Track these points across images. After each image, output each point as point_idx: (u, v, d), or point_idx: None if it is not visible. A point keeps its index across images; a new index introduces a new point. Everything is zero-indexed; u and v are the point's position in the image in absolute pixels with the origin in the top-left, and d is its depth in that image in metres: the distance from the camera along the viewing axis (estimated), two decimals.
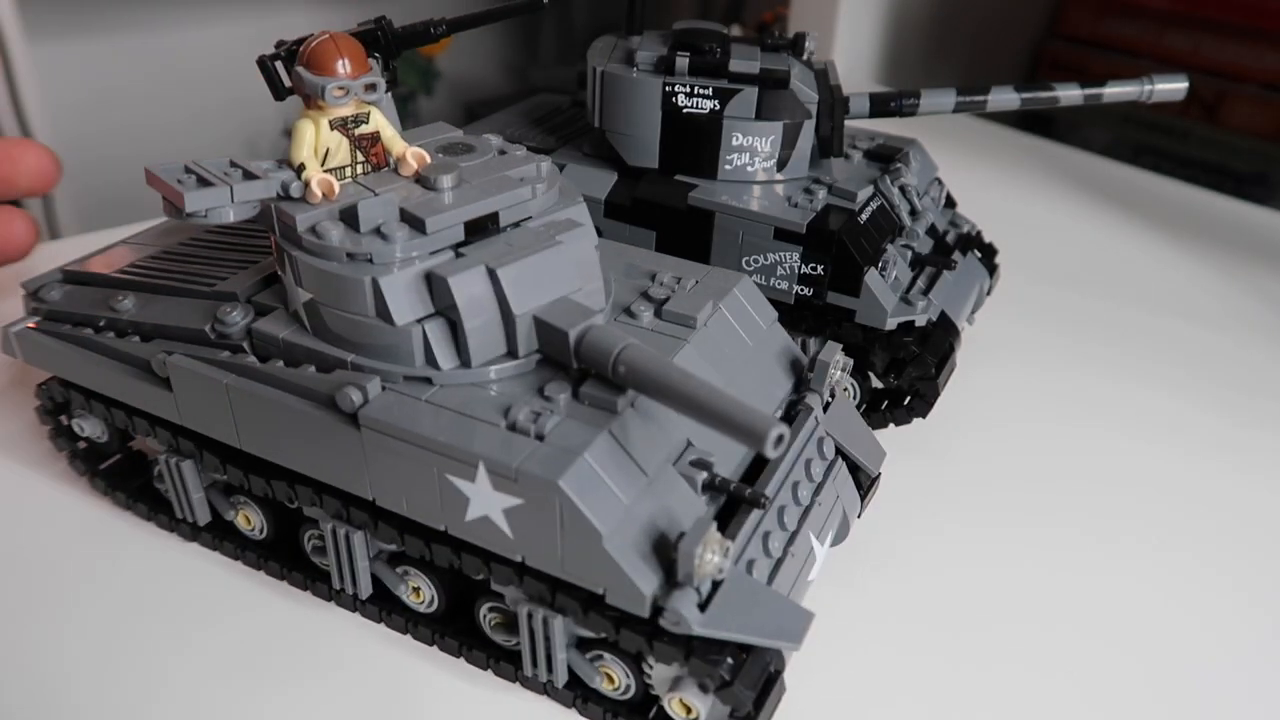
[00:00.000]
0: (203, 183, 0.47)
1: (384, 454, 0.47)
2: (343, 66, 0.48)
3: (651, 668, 0.48)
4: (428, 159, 0.51)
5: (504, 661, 0.52)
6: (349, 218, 0.48)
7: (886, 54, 1.44)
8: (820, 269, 0.67)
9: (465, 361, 0.48)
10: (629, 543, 0.44)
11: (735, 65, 0.70)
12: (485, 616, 0.53)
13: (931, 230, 0.76)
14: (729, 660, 0.45)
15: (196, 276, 0.56)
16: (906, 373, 0.69)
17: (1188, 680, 0.56)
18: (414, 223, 0.48)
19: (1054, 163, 1.28)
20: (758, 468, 0.51)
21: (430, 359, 0.48)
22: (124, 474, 0.64)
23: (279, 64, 0.50)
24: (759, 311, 0.58)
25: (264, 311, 0.52)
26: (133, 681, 0.52)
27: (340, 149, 0.50)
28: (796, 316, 0.70)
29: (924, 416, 0.71)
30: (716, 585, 0.45)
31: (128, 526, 0.62)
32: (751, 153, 0.71)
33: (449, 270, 0.47)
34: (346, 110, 0.49)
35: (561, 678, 0.50)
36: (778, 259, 0.69)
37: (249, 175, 0.48)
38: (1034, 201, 1.17)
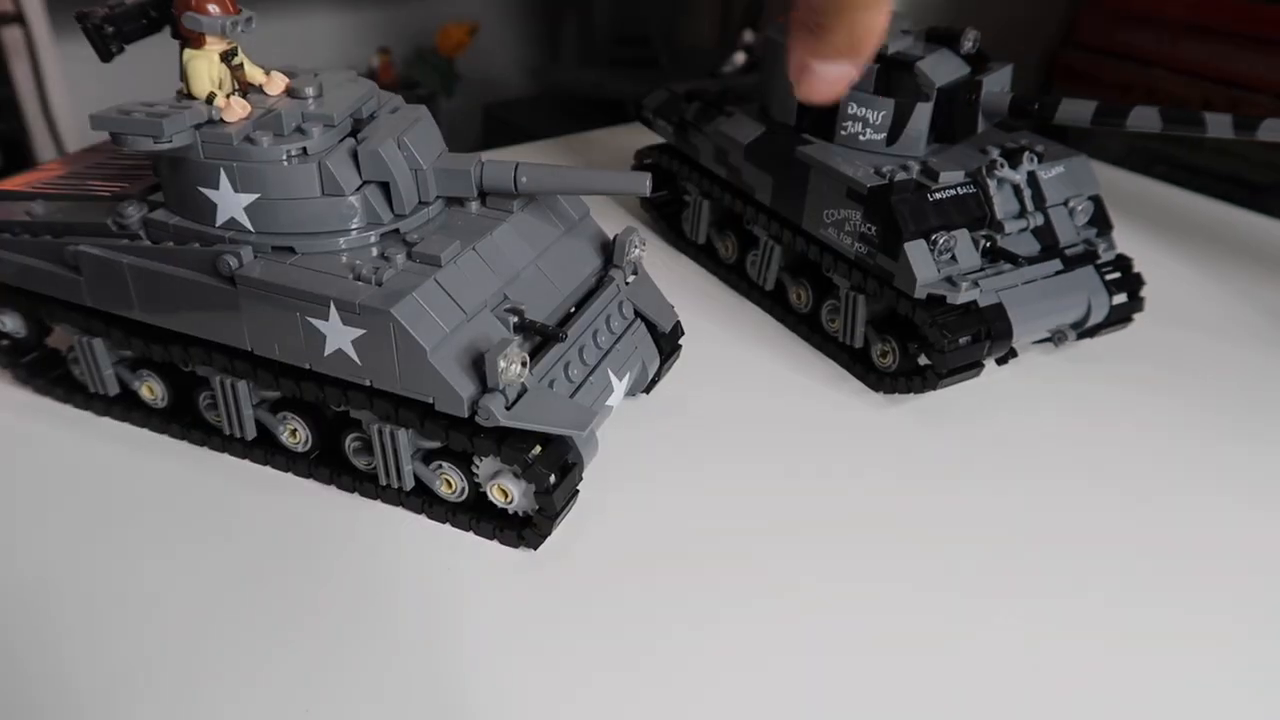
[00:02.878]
0: (153, 117, 0.58)
1: (257, 306, 0.59)
2: (226, 6, 0.59)
3: (478, 467, 0.61)
4: (289, 80, 0.64)
5: (366, 482, 0.65)
6: (271, 125, 0.59)
7: None
8: (874, 230, 0.75)
9: (398, 213, 0.61)
10: (450, 358, 0.57)
11: None
12: (349, 445, 0.65)
13: (1045, 235, 0.79)
14: (537, 448, 0.58)
15: (96, 188, 0.68)
16: (933, 344, 0.73)
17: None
18: (324, 120, 0.60)
19: None
20: (565, 321, 0.65)
21: (372, 218, 0.60)
22: (43, 366, 0.74)
23: (108, 27, 0.59)
24: (573, 206, 0.71)
25: (155, 208, 0.64)
26: (41, 530, 0.64)
27: (227, 79, 0.61)
28: (854, 271, 0.78)
29: (934, 389, 0.76)
30: (522, 395, 0.58)
31: (48, 406, 0.73)
32: (864, 123, 0.78)
33: (373, 145, 0.59)
34: (227, 45, 0.61)
35: (409, 484, 0.63)
36: (847, 215, 0.77)
37: (172, 110, 0.59)
38: None
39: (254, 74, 0.63)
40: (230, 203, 0.60)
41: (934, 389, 0.76)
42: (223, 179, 0.59)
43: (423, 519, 0.65)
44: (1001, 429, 0.77)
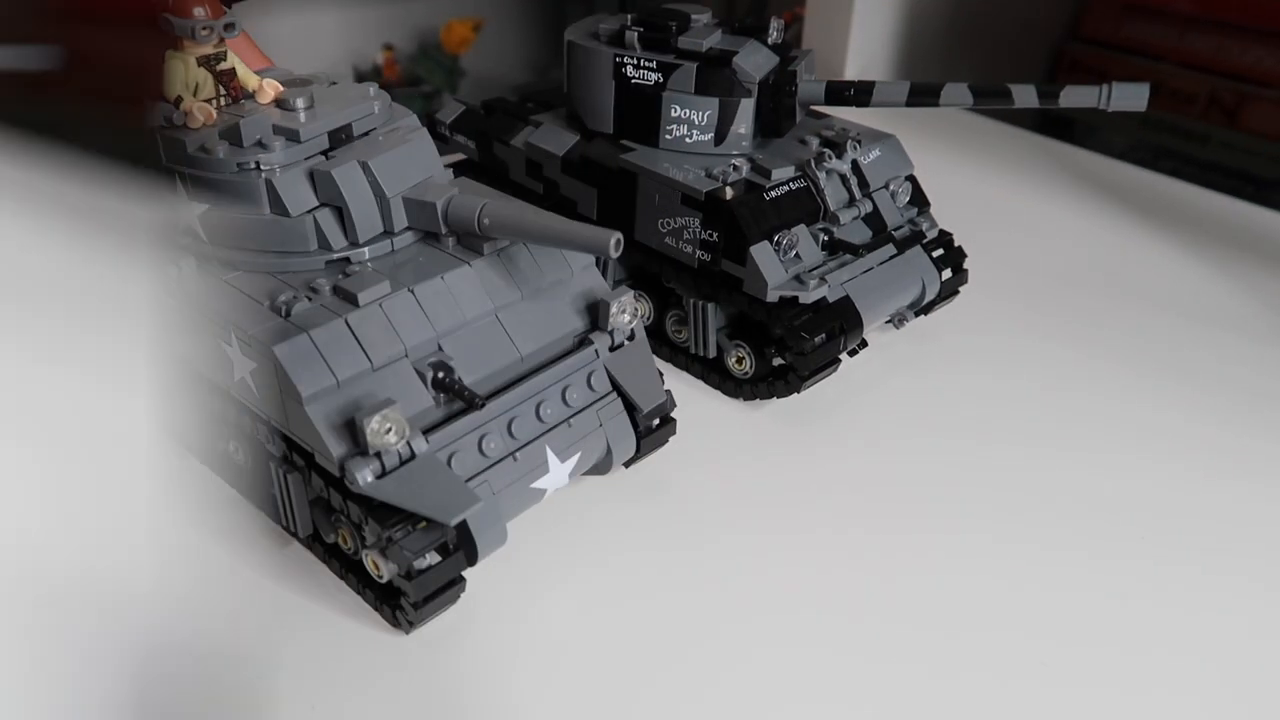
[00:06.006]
0: None
1: (189, 318, 0.57)
2: (203, 10, 0.58)
3: (366, 529, 0.56)
4: (280, 88, 0.61)
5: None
6: (231, 136, 0.58)
7: (903, 55, 1.43)
8: (715, 236, 0.73)
9: (353, 241, 0.58)
10: (332, 410, 0.52)
11: (682, 43, 0.75)
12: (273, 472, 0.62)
13: (874, 221, 0.78)
14: (406, 527, 0.52)
15: None
16: (791, 346, 0.72)
17: None
18: (288, 134, 0.58)
19: (1072, 166, 1.24)
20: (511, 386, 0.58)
21: (323, 243, 0.58)
22: None
23: None
24: (571, 256, 0.64)
25: None
26: None
27: (206, 84, 0.60)
28: (700, 280, 0.76)
29: (798, 391, 0.75)
30: (405, 463, 0.52)
31: None
32: (689, 125, 0.77)
33: (330, 166, 0.57)
34: (209, 49, 0.60)
35: (305, 530, 0.59)
36: (684, 223, 0.75)
37: None
38: (1050, 206, 1.15)
39: (248, 80, 0.61)
40: (184, 210, 0.59)
41: (798, 392, 0.75)
42: (178, 186, 0.58)
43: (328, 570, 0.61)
44: (867, 407, 0.78)
